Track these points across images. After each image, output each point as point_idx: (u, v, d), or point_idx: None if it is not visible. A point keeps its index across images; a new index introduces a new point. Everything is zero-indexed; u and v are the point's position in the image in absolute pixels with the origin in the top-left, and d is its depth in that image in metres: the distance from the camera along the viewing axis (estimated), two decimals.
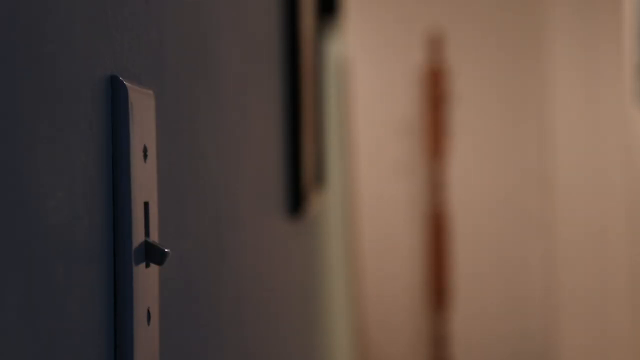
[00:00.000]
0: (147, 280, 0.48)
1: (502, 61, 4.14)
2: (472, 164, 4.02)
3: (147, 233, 0.48)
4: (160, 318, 0.51)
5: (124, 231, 0.45)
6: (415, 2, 4.22)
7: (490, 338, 4.07)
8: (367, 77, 4.18)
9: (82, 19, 0.42)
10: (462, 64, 3.89)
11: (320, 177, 1.57)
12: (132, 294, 0.45)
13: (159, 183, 0.52)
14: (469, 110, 4.00)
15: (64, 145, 0.39)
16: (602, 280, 4.18)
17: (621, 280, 4.16)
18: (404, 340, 3.44)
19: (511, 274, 4.04)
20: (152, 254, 0.47)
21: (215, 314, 0.69)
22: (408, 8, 4.21)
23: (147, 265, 0.48)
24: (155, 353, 0.50)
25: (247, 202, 0.85)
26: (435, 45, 4.07)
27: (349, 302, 2.78)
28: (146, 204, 0.48)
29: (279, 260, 1.10)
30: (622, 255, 4.16)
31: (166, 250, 0.48)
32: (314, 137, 1.50)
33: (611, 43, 4.12)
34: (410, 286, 3.98)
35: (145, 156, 0.48)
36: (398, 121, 4.09)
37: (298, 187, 1.19)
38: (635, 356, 4.13)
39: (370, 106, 4.16)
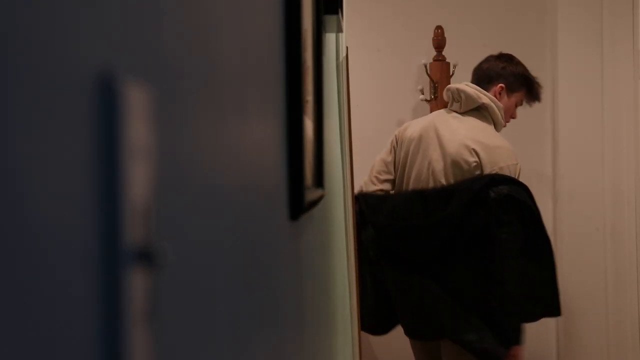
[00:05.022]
0: (143, 281, 0.48)
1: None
2: None
3: (144, 234, 0.48)
4: (157, 320, 0.51)
5: (120, 232, 0.45)
6: (416, 1, 4.22)
7: None
8: (368, 76, 4.18)
9: (78, 15, 0.41)
10: (465, 62, 3.88)
11: (320, 178, 1.57)
12: (128, 295, 0.45)
13: (155, 183, 0.52)
14: None
15: (59, 145, 0.38)
16: (608, 281, 4.18)
17: (627, 280, 4.16)
18: (404, 340, 3.44)
19: None
20: (148, 254, 0.47)
21: (212, 315, 0.69)
22: (409, 6, 4.21)
23: (144, 266, 0.48)
24: (152, 355, 0.49)
25: (246, 203, 0.85)
26: (437, 44, 4.07)
27: (349, 303, 2.79)
28: (143, 205, 0.48)
29: (278, 262, 1.09)
30: (631, 257, 4.15)
31: (163, 250, 0.47)
32: (315, 137, 1.50)
33: (623, 47, 4.12)
34: None
35: (141, 156, 0.48)
36: (400, 120, 4.09)
37: (298, 187, 1.19)
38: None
39: (371, 105, 4.16)
